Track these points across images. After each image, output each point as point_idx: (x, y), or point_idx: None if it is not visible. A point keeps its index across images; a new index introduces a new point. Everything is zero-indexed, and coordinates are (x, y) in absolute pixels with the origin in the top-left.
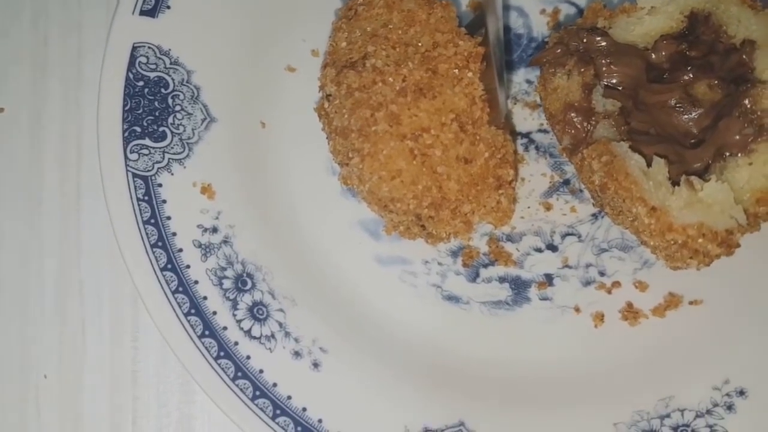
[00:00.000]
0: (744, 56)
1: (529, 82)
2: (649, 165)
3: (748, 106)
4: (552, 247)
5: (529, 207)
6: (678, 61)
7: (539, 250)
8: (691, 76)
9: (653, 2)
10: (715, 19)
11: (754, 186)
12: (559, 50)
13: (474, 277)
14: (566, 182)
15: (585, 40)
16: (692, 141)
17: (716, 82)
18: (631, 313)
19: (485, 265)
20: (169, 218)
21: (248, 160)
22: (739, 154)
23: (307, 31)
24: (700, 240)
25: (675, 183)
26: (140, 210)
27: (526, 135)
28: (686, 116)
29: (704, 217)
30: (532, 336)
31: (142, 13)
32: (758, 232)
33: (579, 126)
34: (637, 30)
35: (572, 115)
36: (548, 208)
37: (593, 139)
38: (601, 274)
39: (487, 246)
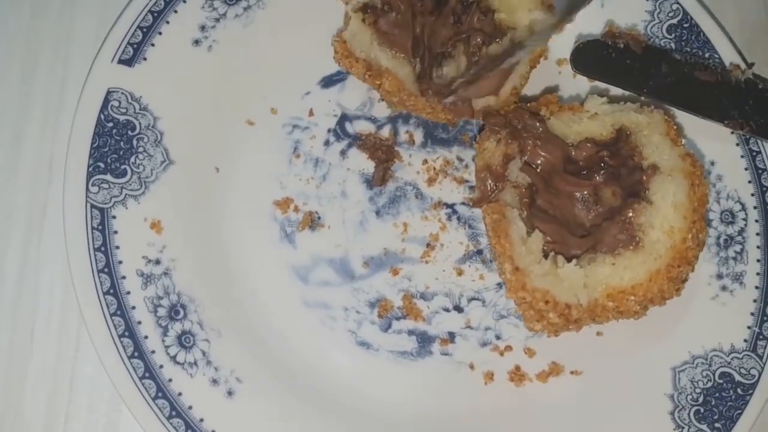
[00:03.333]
0: (645, 177)
1: (460, 159)
2: (529, 235)
3: (630, 216)
4: (458, 309)
5: (444, 270)
6: (595, 163)
7: (447, 310)
8: (602, 179)
9: (597, 109)
10: (636, 139)
11: (609, 283)
12: (501, 120)
13: (386, 328)
14: (479, 252)
15: (524, 120)
16: (581, 233)
17: (618, 190)
18: (517, 375)
19: (398, 318)
20: (117, 247)
21: (198, 201)
22: (607, 254)
23: (268, 90)
24: (541, 304)
25: (546, 257)
26: (93, 238)
27: (451, 206)
28: (585, 211)
29: (552, 287)
30: (430, 385)
31: (120, 61)
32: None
33: (488, 186)
34: (574, 127)
35: (486, 174)
36: (460, 273)
37: (497, 199)
38: (497, 337)
39: (402, 301)
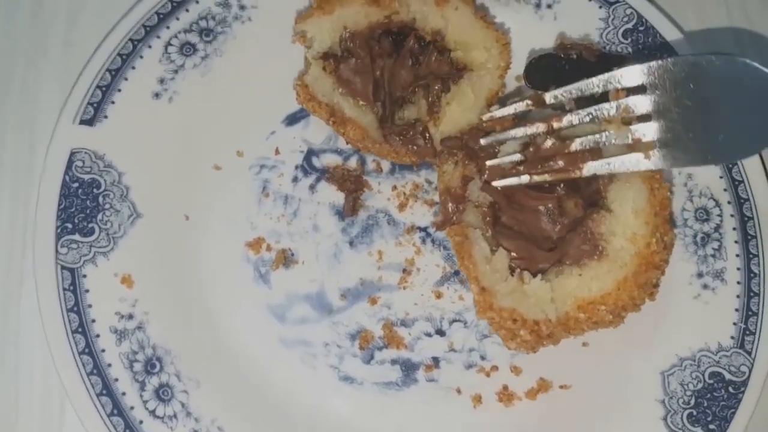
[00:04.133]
0: (602, 185)
1: (429, 182)
2: (493, 253)
3: (591, 227)
4: (440, 332)
5: (422, 295)
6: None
7: (429, 335)
8: (563, 191)
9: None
10: None
11: (578, 294)
12: (457, 142)
13: (369, 360)
14: (456, 273)
15: (479, 141)
16: (549, 247)
17: (580, 201)
18: (506, 395)
19: (380, 348)
20: (90, 306)
21: (169, 251)
22: (573, 266)
23: (233, 134)
24: (510, 323)
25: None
26: (65, 299)
27: (424, 229)
28: (551, 224)
29: (518, 305)
30: (419, 414)
31: (82, 122)
32: (619, 328)
33: (449, 208)
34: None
35: (447, 197)
36: (439, 296)
37: (459, 221)
38: (482, 358)
39: (383, 330)
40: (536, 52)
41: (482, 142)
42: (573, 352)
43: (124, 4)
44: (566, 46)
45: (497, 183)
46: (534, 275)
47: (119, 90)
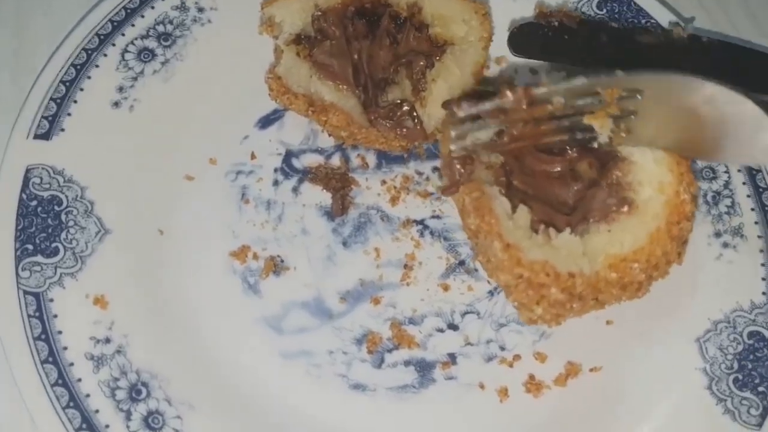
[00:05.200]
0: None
1: (419, 173)
2: (513, 211)
3: (617, 177)
4: (453, 327)
5: (428, 289)
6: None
7: (441, 330)
8: (575, 152)
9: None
10: None
11: (608, 251)
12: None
13: (379, 363)
14: (461, 263)
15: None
16: (566, 211)
17: (594, 161)
18: (533, 384)
19: (389, 350)
20: (60, 332)
21: (144, 268)
22: (601, 221)
23: (203, 141)
24: (543, 276)
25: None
26: (31, 327)
27: (421, 222)
28: (565, 189)
29: (551, 257)
30: (441, 416)
31: (37, 136)
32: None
33: (455, 171)
34: None
35: (452, 160)
36: (446, 288)
37: (467, 181)
38: (502, 348)
39: (391, 330)
40: (517, 22)
41: (460, 113)
42: (597, 331)
43: (76, 12)
44: (546, 13)
45: (454, 147)
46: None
47: (75, 101)
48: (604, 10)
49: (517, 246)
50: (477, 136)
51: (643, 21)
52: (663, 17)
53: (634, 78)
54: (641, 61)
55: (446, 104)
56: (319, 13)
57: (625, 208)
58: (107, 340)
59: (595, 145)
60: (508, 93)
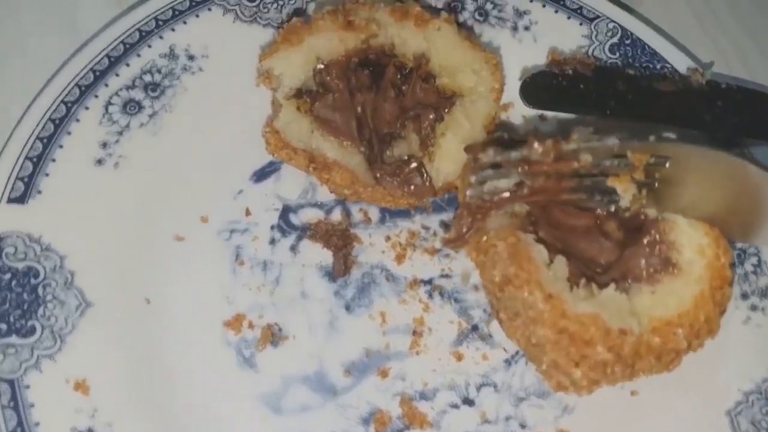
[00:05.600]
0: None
1: (425, 228)
2: (551, 261)
3: (656, 237)
4: (468, 402)
5: (440, 359)
6: None
7: (455, 406)
8: (603, 211)
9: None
10: None
11: (653, 314)
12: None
13: None
14: (475, 328)
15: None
16: (597, 270)
17: (616, 224)
18: None
19: (400, 431)
20: (37, 424)
21: (130, 343)
22: (643, 283)
23: (194, 198)
24: (592, 329)
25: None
26: (5, 419)
27: (429, 282)
28: (595, 244)
29: (601, 309)
30: None
31: (11, 200)
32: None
33: (464, 222)
34: None
35: (464, 210)
36: (459, 357)
37: (477, 236)
38: (522, 426)
39: (401, 407)
40: (529, 71)
41: (484, 159)
42: (622, 404)
43: (54, 58)
44: (559, 61)
45: (471, 192)
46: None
47: (53, 160)
48: (617, 54)
49: (560, 297)
50: (496, 184)
51: (658, 66)
52: (679, 62)
53: (666, 145)
54: (660, 109)
55: (469, 149)
56: (321, 66)
57: (670, 269)
58: (90, 431)
59: (613, 208)
60: (536, 145)
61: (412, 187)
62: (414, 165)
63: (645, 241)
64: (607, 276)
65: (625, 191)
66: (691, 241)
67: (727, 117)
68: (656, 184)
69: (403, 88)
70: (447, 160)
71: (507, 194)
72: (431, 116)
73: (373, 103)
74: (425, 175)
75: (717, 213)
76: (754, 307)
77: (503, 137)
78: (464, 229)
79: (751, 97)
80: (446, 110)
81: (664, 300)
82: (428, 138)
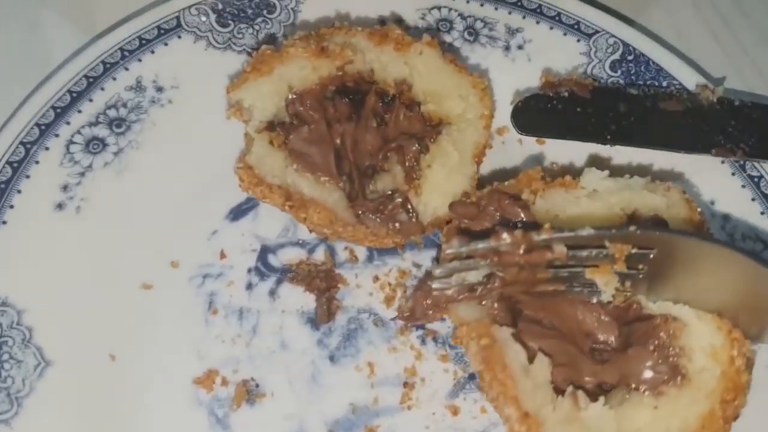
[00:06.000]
0: None
1: (416, 265)
2: (531, 360)
3: (665, 339)
4: None
5: (434, 413)
6: None
7: None
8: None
9: (598, 186)
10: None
11: None
12: (473, 210)
13: None
14: (472, 377)
15: (503, 207)
16: (593, 346)
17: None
18: None
19: None
20: None
21: (93, 405)
22: (646, 393)
23: (163, 242)
24: None
25: (559, 389)
26: None
27: (422, 327)
28: (589, 311)
29: None
30: None
31: None
32: None
33: (421, 304)
34: (569, 209)
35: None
36: (455, 411)
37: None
38: None
39: None
40: (521, 94)
41: (448, 251)
42: None
43: (10, 96)
44: (553, 83)
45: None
46: (590, 396)
47: (12, 206)
48: (619, 71)
49: (537, 419)
50: (465, 276)
51: (664, 83)
52: (687, 78)
53: (648, 235)
54: (666, 132)
55: (454, 206)
56: (294, 96)
57: (678, 380)
58: None
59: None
60: (505, 235)
61: (398, 225)
62: (399, 200)
63: (652, 344)
64: (605, 371)
65: (606, 284)
66: (701, 340)
67: (742, 137)
68: (641, 276)
69: (386, 116)
70: (435, 193)
71: (475, 290)
72: (415, 147)
73: (353, 134)
74: (411, 210)
75: (725, 308)
76: None
77: (468, 227)
78: (417, 314)
79: (766, 114)
80: (432, 140)
81: (667, 420)
82: (413, 170)
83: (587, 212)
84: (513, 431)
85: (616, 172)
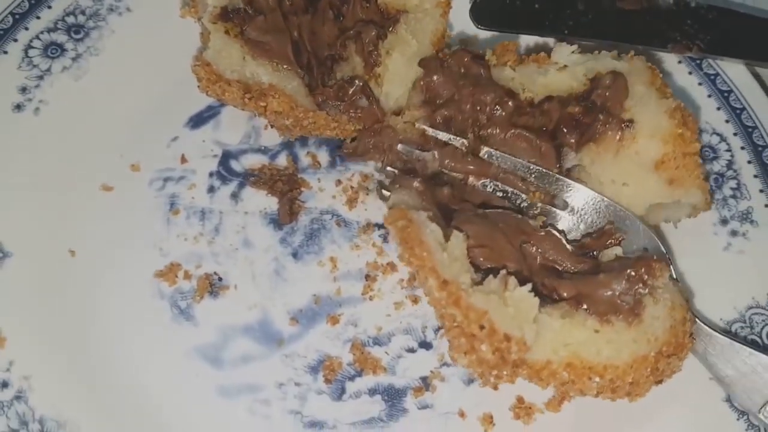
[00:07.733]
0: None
1: (380, 170)
2: (447, 239)
3: (643, 275)
4: (425, 345)
5: (394, 302)
6: (568, 124)
7: (412, 350)
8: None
9: (567, 60)
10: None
11: (576, 351)
12: (436, 63)
13: (339, 394)
14: None
15: (465, 65)
16: (548, 263)
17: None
18: (522, 409)
19: (351, 377)
20: None
21: (51, 297)
22: (593, 315)
23: (123, 145)
24: (474, 328)
25: (491, 271)
26: None
27: (383, 225)
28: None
29: (493, 310)
30: None
31: None
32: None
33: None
34: (539, 80)
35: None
36: (415, 300)
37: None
38: None
39: (352, 354)
40: None
41: (399, 147)
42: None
43: None
44: None
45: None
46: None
47: None
48: None
49: (456, 283)
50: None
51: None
52: None
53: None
54: (623, 28)
55: (423, 62)
56: None
57: (631, 318)
58: (4, 384)
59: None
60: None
61: (359, 111)
62: (358, 85)
63: (626, 275)
64: (560, 284)
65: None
66: (665, 294)
67: (698, 35)
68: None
69: (342, 9)
70: (395, 81)
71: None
72: (373, 33)
73: (310, 25)
74: (371, 96)
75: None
76: (734, 233)
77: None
78: (359, 152)
79: (722, 15)
80: (390, 29)
81: (600, 345)
82: (373, 58)
83: (554, 82)
84: (435, 300)
85: (585, 50)
